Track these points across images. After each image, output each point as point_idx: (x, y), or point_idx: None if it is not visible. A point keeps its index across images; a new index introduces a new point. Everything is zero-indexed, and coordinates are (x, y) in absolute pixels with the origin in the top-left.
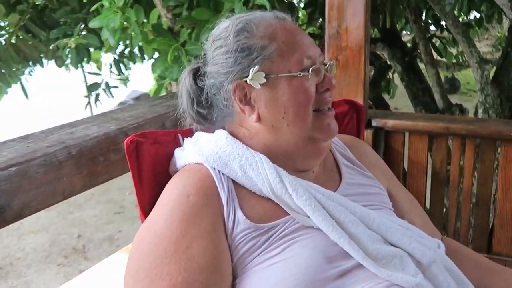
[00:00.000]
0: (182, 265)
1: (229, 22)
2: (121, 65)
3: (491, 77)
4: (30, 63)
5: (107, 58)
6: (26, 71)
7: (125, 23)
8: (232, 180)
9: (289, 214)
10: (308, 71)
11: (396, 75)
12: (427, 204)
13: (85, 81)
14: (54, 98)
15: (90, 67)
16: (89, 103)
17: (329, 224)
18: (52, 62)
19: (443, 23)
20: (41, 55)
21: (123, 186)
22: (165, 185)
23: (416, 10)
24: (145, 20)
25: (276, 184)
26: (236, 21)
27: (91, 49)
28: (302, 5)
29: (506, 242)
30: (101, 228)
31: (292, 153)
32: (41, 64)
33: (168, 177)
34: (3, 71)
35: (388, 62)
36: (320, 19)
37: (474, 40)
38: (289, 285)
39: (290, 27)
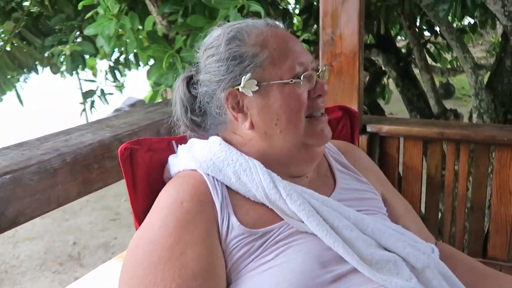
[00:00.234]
0: (176, 272)
1: (221, 30)
2: (116, 72)
3: (485, 82)
4: (25, 70)
5: (102, 65)
6: (21, 78)
7: (120, 30)
8: (226, 186)
9: (283, 219)
10: (300, 78)
11: (391, 80)
12: (422, 209)
13: (81, 88)
14: (49, 105)
15: (86, 74)
16: (84, 110)
17: (324, 229)
18: (47, 69)
19: (437, 29)
20: (36, 62)
21: (118, 193)
22: (160, 192)
23: (410, 16)
24: (140, 27)
25: (270, 190)
26: (227, 30)
27: (86, 56)
28: (297, 11)
29: (501, 247)
30: (96, 235)
31: (285, 159)
32: (36, 71)
33: (163, 184)
34: None
35: (383, 68)
36: (315, 25)
37: (469, 45)
38: None
39: (281, 34)
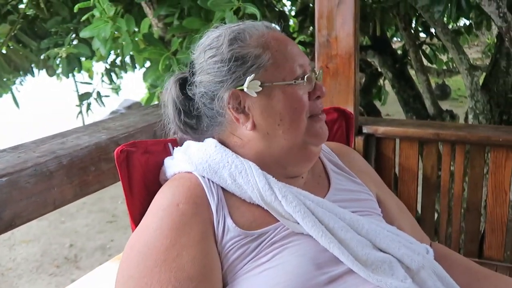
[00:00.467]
0: (172, 274)
1: (220, 31)
2: (112, 74)
3: (480, 84)
4: (21, 73)
5: (98, 67)
6: (17, 81)
7: (116, 32)
8: (222, 188)
9: (278, 221)
10: (301, 79)
11: (387, 82)
12: (419, 210)
13: (77, 91)
14: (45, 108)
15: (82, 76)
16: (80, 112)
17: (319, 230)
18: (43, 72)
19: (432, 30)
20: (32, 65)
21: (115, 195)
22: (156, 194)
23: (406, 17)
24: (136, 30)
25: (266, 191)
26: (228, 31)
27: (82, 59)
28: (293, 13)
29: (497, 247)
30: (93, 237)
31: (284, 159)
32: (32, 74)
33: (159, 186)
34: None
35: (379, 69)
36: (311, 27)
37: (464, 46)
38: None
39: (280, 37)
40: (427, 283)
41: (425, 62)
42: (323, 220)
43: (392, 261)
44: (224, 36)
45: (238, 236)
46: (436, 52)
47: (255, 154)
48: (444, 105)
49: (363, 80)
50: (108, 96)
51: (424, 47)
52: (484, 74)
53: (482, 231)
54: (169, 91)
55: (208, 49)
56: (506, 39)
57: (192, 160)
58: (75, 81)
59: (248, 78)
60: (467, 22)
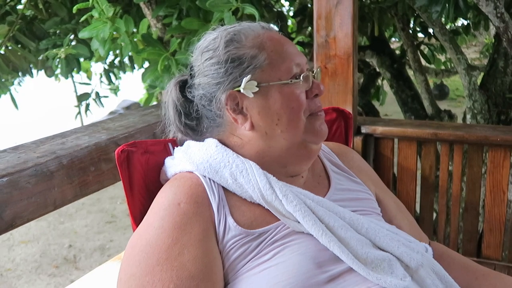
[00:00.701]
0: (174, 272)
1: (217, 33)
2: (111, 74)
3: (478, 83)
4: (20, 73)
5: (97, 67)
6: (15, 81)
7: (114, 33)
8: (223, 187)
9: (279, 220)
10: (298, 78)
11: (385, 82)
12: (417, 210)
13: (75, 91)
14: (43, 108)
15: (80, 77)
16: (79, 113)
17: (319, 229)
18: (41, 72)
19: (430, 30)
20: (31, 66)
21: (114, 195)
22: (156, 193)
23: (404, 18)
24: (134, 30)
25: (266, 190)
26: (224, 32)
27: (81, 59)
28: (291, 13)
29: (495, 247)
30: (92, 237)
31: (284, 158)
32: (31, 75)
33: (159, 185)
34: None
35: (377, 70)
36: (310, 28)
37: (462, 46)
38: None
39: (277, 37)
40: (426, 281)
41: (423, 62)
42: (323, 219)
43: (392, 259)
44: (220, 38)
45: (239, 235)
46: (434, 52)
47: (255, 153)
48: (442, 105)
49: (362, 80)
50: (107, 96)
51: (422, 47)
52: (482, 74)
53: (480, 231)
54: (170, 93)
55: (205, 51)
56: (504, 39)
57: (193, 159)
58: (74, 82)
59: (245, 79)
60: (465, 22)
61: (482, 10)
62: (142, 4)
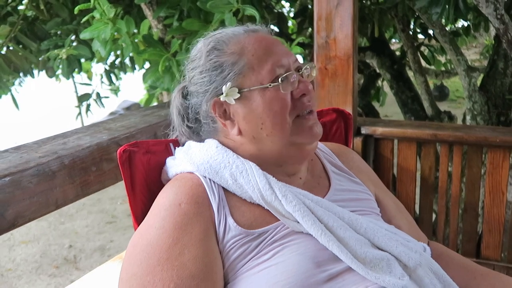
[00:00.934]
0: (174, 272)
1: (201, 42)
2: (112, 75)
3: (478, 85)
4: (21, 74)
5: (97, 68)
6: (16, 82)
7: (115, 34)
8: (223, 188)
9: (279, 220)
10: (277, 81)
11: (385, 83)
12: (417, 210)
13: (76, 92)
14: (44, 108)
15: (81, 77)
16: (80, 113)
17: (318, 228)
18: (42, 73)
19: (430, 31)
20: (32, 66)
21: (114, 196)
22: (158, 193)
23: (404, 19)
24: (135, 31)
25: (266, 191)
26: (207, 41)
27: (82, 60)
28: (292, 14)
29: (494, 247)
30: (92, 238)
31: (277, 159)
32: (32, 75)
33: (160, 185)
34: None
35: (377, 71)
36: (310, 29)
37: (463, 48)
38: None
39: (261, 39)
40: (424, 281)
41: (423, 63)
42: (322, 219)
43: (390, 259)
44: (203, 46)
45: (239, 235)
46: (434, 53)
47: (250, 156)
48: (442, 106)
49: (362, 81)
50: (108, 97)
51: (422, 48)
52: (482, 75)
53: (480, 232)
54: (174, 99)
55: (192, 60)
56: (504, 40)
57: (193, 160)
58: (74, 82)
59: (224, 87)
60: (465, 24)
61: (482, 11)
62: (143, 5)
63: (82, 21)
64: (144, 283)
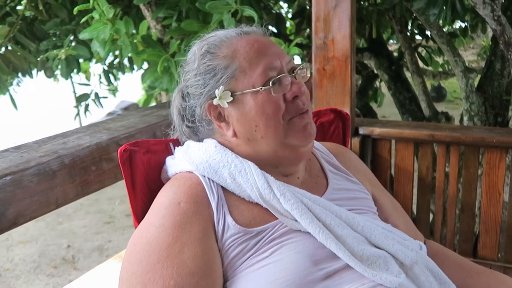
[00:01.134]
0: (174, 270)
1: (196, 46)
2: (110, 75)
3: (476, 86)
4: (19, 74)
5: (95, 68)
6: (14, 82)
7: (114, 34)
8: (222, 187)
9: (277, 219)
10: (268, 84)
11: (383, 84)
12: (414, 211)
13: (74, 92)
14: (42, 108)
15: (79, 77)
16: (78, 113)
17: (316, 226)
18: (41, 72)
19: (428, 32)
20: (31, 66)
21: (112, 196)
22: (158, 192)
23: (402, 20)
24: (134, 32)
25: (265, 189)
26: (201, 44)
27: (81, 60)
28: (290, 15)
29: (491, 247)
30: (90, 238)
31: (272, 160)
32: (31, 75)
33: (160, 184)
34: None
35: (375, 71)
36: (308, 30)
37: (460, 49)
38: (278, 287)
39: (253, 41)
40: (420, 278)
41: (420, 64)
42: (320, 217)
43: (387, 256)
44: (197, 50)
45: (238, 233)
46: (432, 54)
47: (247, 156)
48: (440, 107)
49: (359, 82)
50: (107, 97)
51: (419, 49)
52: (479, 76)
53: (477, 232)
54: (174, 99)
55: (188, 63)
56: (501, 41)
57: (192, 160)
58: (72, 83)
59: (217, 91)
60: (463, 25)
61: (479, 13)
62: (142, 6)
63: (81, 22)
64: (145, 280)
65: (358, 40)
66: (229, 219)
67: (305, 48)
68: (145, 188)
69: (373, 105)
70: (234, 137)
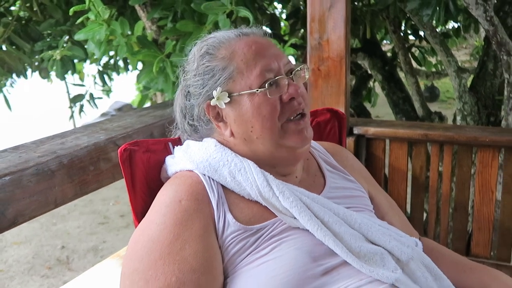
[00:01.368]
0: (176, 266)
1: (195, 46)
2: (105, 76)
3: (468, 86)
4: (14, 75)
5: (89, 69)
6: (8, 83)
7: (110, 35)
8: (222, 185)
9: (276, 216)
10: (264, 86)
11: (377, 84)
12: (408, 209)
13: (68, 93)
14: (36, 109)
15: (73, 78)
16: (72, 114)
17: (315, 224)
18: (36, 73)
19: (421, 33)
20: (25, 67)
21: (106, 197)
22: (157, 191)
23: (395, 21)
24: (129, 32)
25: (264, 188)
26: (200, 45)
27: (75, 61)
28: (284, 16)
29: (484, 245)
30: (85, 239)
31: (270, 160)
32: (25, 76)
33: (160, 183)
34: None
35: (369, 72)
36: (303, 30)
37: (453, 49)
38: (278, 282)
39: (251, 43)
40: (416, 274)
41: (414, 64)
42: (318, 215)
43: (383, 253)
44: (197, 51)
45: (238, 230)
46: (425, 54)
47: (245, 156)
48: (433, 107)
49: (353, 82)
50: (101, 98)
51: (413, 49)
52: (472, 76)
53: (470, 230)
54: (177, 98)
55: (188, 63)
56: (493, 42)
57: (193, 159)
58: (66, 84)
59: (215, 92)
60: (456, 25)
61: (472, 13)
62: (137, 6)
63: (76, 23)
64: (147, 277)
65: (352, 40)
66: (229, 216)
67: (299, 49)
68: (145, 187)
69: (367, 105)
70: (231, 137)
